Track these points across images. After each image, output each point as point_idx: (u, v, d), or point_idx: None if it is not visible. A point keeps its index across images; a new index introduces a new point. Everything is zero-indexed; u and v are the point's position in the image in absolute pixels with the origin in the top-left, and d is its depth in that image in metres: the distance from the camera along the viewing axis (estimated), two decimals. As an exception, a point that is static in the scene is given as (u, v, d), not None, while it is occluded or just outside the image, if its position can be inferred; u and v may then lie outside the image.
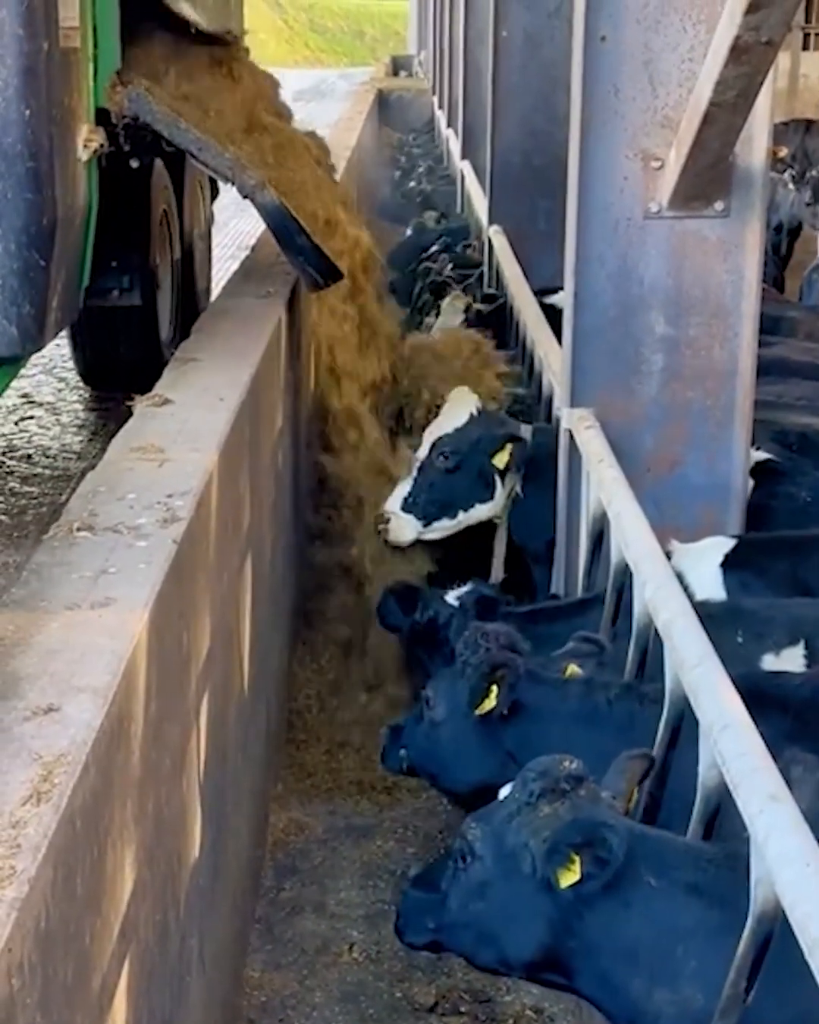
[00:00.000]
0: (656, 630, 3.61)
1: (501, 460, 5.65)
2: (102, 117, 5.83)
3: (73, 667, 2.83)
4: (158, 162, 7.82)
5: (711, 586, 4.36)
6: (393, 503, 5.87)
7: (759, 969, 2.59)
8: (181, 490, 3.85)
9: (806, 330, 7.61)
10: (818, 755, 3.11)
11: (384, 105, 24.27)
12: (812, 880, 2.33)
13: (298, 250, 6.09)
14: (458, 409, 5.93)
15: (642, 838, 2.92)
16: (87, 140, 5.67)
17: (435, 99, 20.40)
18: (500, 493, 5.73)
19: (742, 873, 2.62)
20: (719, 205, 4.73)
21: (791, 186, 12.04)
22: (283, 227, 6.10)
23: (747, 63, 3.70)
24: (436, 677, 4.01)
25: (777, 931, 2.49)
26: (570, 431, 5.02)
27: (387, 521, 5.83)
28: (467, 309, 8.00)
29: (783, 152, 15.20)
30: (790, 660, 3.96)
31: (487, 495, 5.74)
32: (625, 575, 4.03)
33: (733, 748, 2.79)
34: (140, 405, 4.73)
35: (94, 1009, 2.60)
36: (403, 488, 5.87)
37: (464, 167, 12.76)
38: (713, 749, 2.88)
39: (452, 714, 3.82)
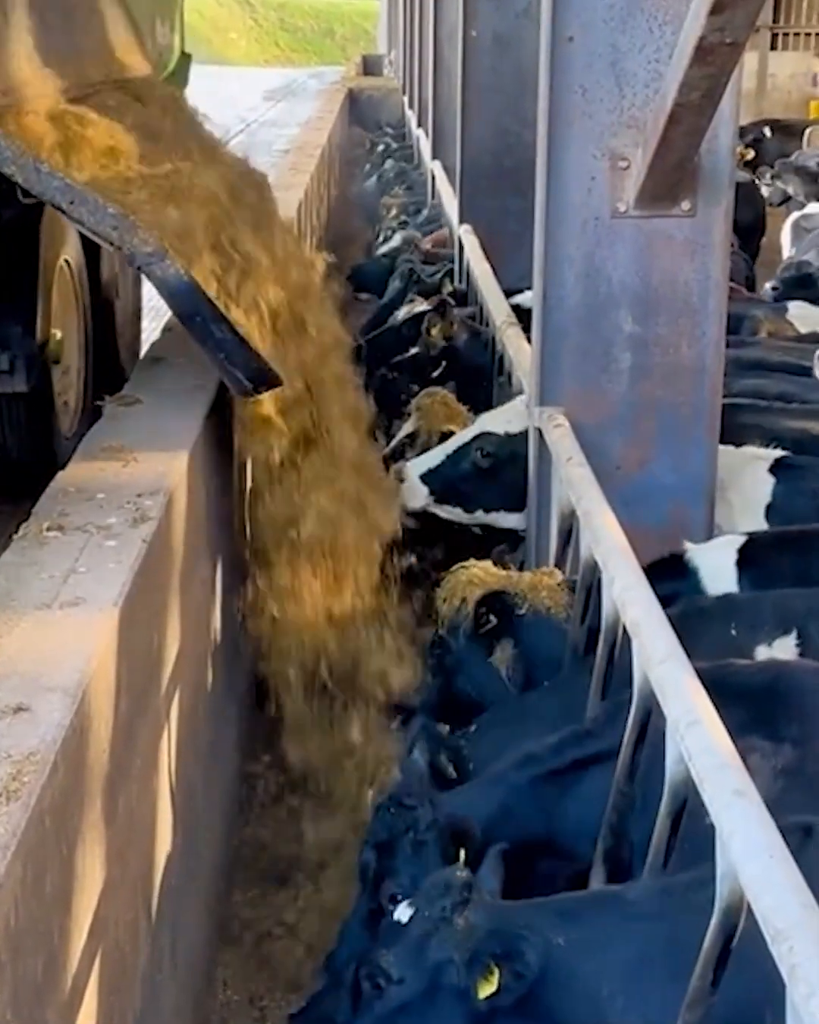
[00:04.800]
0: (624, 627, 3.63)
1: None
2: None
3: (42, 667, 2.84)
4: None
5: (726, 584, 4.39)
6: (414, 467, 5.57)
7: (726, 962, 2.62)
8: (151, 490, 3.87)
9: (769, 329, 7.65)
10: (774, 742, 3.17)
11: (355, 104, 24.28)
12: (775, 872, 2.37)
13: (217, 344, 4.47)
14: (520, 411, 5.57)
15: (537, 908, 3.00)
16: None
17: (405, 99, 20.40)
18: None
19: (657, 906, 2.79)
20: (686, 205, 4.75)
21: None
22: (193, 312, 4.47)
23: (712, 63, 3.72)
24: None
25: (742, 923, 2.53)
26: (539, 430, 5.04)
27: (401, 479, 5.53)
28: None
29: (750, 154, 15.31)
30: (783, 650, 3.99)
31: (517, 506, 5.49)
32: (594, 573, 4.05)
33: (699, 744, 2.81)
34: (110, 405, 4.73)
35: (64, 1006, 2.61)
36: (432, 457, 5.57)
37: (434, 167, 12.76)
38: (680, 744, 2.91)
39: None
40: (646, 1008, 2.82)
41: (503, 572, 4.50)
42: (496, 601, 4.29)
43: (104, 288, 6.65)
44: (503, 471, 5.53)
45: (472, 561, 4.62)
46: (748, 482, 5.08)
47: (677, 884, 2.94)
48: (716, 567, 4.43)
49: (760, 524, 4.99)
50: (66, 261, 6.00)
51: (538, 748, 3.61)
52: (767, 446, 5.24)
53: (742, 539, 4.57)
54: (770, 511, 5.05)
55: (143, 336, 7.94)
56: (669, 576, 4.25)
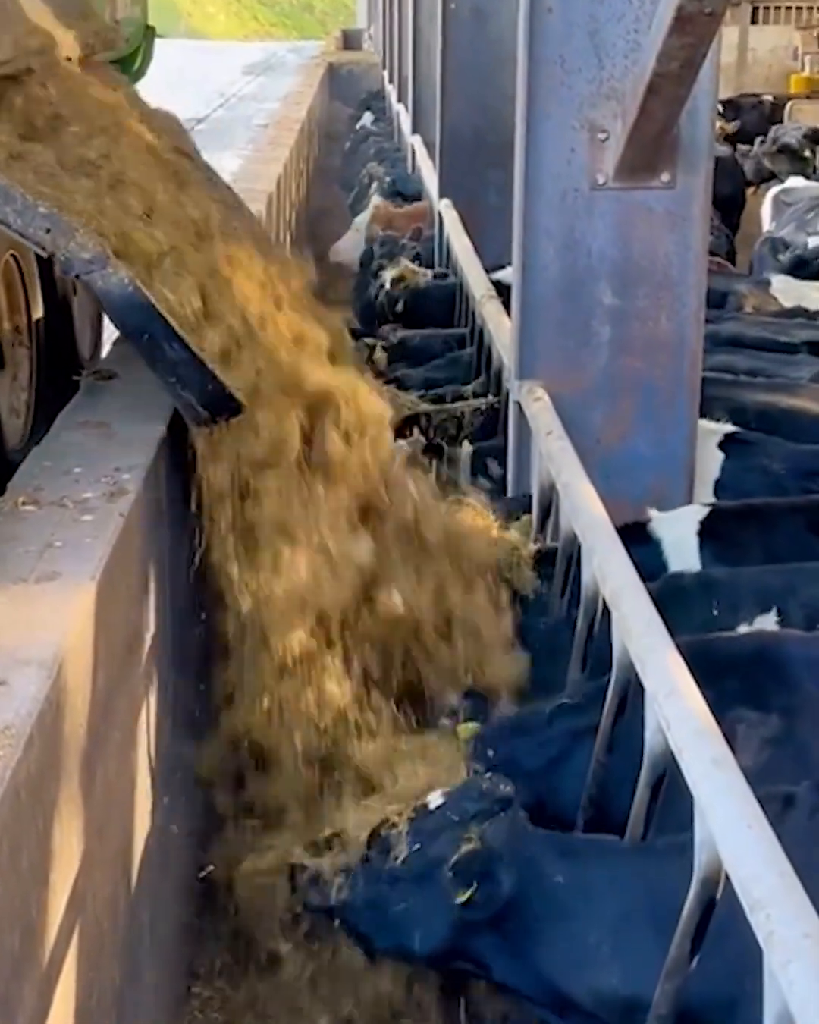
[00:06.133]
0: (604, 599, 3.63)
1: None
2: None
3: (19, 641, 2.83)
4: None
5: (687, 554, 4.40)
6: None
7: (704, 931, 2.63)
8: (128, 464, 3.84)
9: (753, 304, 7.64)
10: (762, 711, 3.18)
11: (335, 79, 24.14)
12: (753, 842, 2.37)
13: (168, 365, 3.95)
14: None
15: (551, 842, 3.10)
16: None
17: (385, 73, 20.27)
18: None
19: (658, 865, 2.84)
20: (665, 177, 4.74)
21: None
22: (140, 328, 3.93)
23: (691, 33, 3.71)
24: None
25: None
26: (519, 404, 5.03)
27: None
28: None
29: (731, 128, 15.26)
30: (764, 628, 4.00)
31: None
32: (573, 545, 4.05)
33: (677, 713, 2.81)
34: (87, 379, 4.71)
35: (42, 981, 2.61)
36: None
37: (415, 142, 12.70)
38: (659, 714, 2.91)
39: None
40: (630, 961, 2.85)
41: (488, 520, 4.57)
42: None
43: (59, 285, 5.87)
44: None
45: (469, 497, 4.70)
46: (698, 457, 5.08)
47: (681, 842, 2.95)
48: (678, 537, 4.43)
49: (709, 499, 4.98)
50: (13, 256, 5.29)
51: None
52: (730, 420, 5.22)
53: (705, 510, 4.57)
54: (719, 486, 5.05)
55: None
56: (631, 544, 4.25)
